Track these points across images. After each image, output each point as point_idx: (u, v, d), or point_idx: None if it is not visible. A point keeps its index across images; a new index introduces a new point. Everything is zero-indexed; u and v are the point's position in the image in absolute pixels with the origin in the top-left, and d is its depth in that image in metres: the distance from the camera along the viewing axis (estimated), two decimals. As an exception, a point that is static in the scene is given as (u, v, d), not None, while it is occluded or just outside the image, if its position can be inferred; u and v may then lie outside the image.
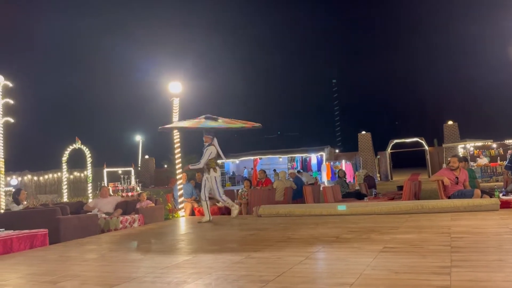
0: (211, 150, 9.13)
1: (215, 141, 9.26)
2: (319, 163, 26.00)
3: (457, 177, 8.48)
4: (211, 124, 9.22)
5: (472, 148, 22.29)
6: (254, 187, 11.46)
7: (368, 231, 6.16)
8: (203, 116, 9.48)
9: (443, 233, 5.57)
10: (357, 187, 13.86)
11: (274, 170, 20.57)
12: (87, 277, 4.45)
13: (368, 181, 15.34)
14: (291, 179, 11.88)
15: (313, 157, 26.64)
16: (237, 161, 29.63)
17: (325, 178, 23.59)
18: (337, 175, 17.82)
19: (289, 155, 27.43)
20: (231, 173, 30.27)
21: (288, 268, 4.07)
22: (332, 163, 25.41)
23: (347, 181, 13.09)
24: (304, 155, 27.12)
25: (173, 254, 5.55)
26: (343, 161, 26.24)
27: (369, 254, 4.49)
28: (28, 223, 7.42)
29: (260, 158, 27.69)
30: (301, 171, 21.53)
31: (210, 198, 9.40)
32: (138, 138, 34.22)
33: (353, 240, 5.51)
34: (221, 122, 9.33)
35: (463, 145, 22.95)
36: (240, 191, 11.15)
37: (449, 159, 9.19)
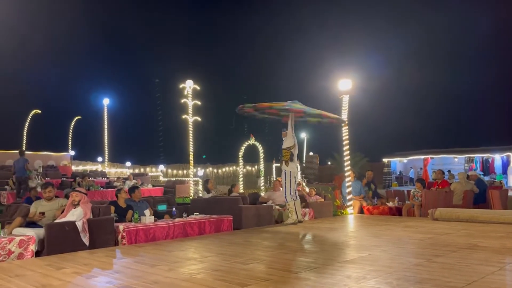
0: (292, 139, 8.70)
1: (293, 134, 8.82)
2: (505, 165, 22.74)
3: None
4: (297, 106, 8.62)
5: None
6: (429, 189, 10.72)
7: None
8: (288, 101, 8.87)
9: None
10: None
11: (449, 171, 18.85)
12: (270, 262, 4.84)
13: None
14: (472, 181, 10.72)
15: (497, 158, 23.45)
16: (404, 160, 28.03)
17: (512, 182, 20.55)
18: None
19: (466, 155, 24.69)
20: (398, 173, 28.80)
21: (480, 277, 3.73)
22: (522, 165, 21.95)
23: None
24: (485, 155, 24.07)
25: (347, 250, 5.62)
26: (537, 164, 22.40)
27: None
28: (215, 209, 8.44)
29: (432, 158, 25.64)
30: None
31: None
32: (303, 135, 35.37)
33: (560, 255, 4.71)
34: (302, 106, 8.73)
35: None
36: (412, 191, 10.55)
37: None
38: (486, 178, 19.56)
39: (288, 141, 8.89)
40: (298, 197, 9.06)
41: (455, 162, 25.18)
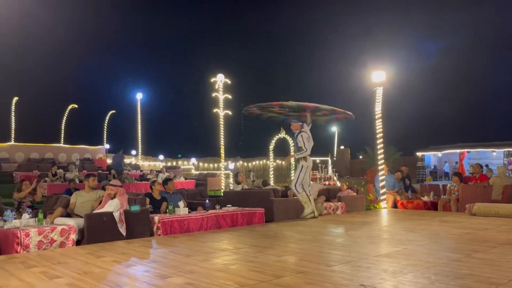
0: (307, 134, 8.51)
1: (306, 128, 8.63)
2: (547, 159, 21.76)
3: None
4: (293, 104, 8.52)
5: None
6: (466, 183, 10.39)
7: None
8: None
9: None
10: None
11: (487, 166, 18.24)
12: (304, 254, 4.84)
13: None
14: (512, 176, 10.35)
15: (539, 152, 22.44)
16: (439, 154, 27.26)
17: (555, 177, 19.62)
18: None
19: (505, 149, 23.75)
20: (432, 167, 28.05)
21: (523, 274, 3.60)
22: None
23: None
24: (525, 149, 23.08)
25: (382, 244, 5.54)
26: None
27: None
28: (247, 202, 8.49)
29: (468, 152, 24.80)
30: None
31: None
32: (334, 128, 34.95)
33: None
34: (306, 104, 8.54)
35: None
36: (449, 185, 10.26)
37: None
38: (527, 173, 18.78)
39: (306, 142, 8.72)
40: (311, 194, 8.85)
41: (493, 156, 24.27)
